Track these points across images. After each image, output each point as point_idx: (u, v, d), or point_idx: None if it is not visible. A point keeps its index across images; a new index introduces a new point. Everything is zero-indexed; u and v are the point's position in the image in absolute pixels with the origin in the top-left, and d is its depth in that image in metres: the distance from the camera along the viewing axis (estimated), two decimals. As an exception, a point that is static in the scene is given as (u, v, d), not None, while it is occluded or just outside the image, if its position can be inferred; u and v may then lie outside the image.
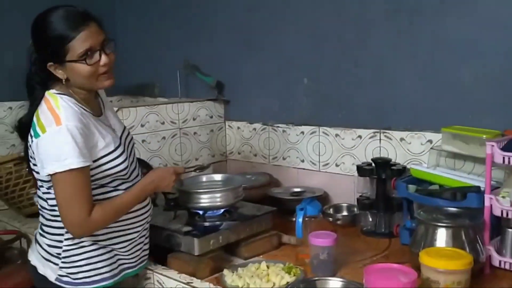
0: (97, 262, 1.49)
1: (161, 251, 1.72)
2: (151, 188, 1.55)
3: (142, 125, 2.32)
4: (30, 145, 1.43)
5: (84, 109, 1.44)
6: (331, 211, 2.13)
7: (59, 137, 1.33)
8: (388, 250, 1.78)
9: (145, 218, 1.59)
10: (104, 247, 1.50)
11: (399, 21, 2.00)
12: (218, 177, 2.01)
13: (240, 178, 1.99)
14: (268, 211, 1.90)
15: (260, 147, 2.57)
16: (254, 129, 2.58)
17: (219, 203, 1.80)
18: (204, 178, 1.99)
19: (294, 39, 2.35)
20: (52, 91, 1.43)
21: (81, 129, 1.36)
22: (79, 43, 1.34)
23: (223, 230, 1.73)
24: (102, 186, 1.47)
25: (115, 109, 2.18)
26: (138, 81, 3.11)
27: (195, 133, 2.56)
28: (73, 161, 1.33)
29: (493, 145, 1.47)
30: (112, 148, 1.46)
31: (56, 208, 1.42)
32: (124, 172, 1.49)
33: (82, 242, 1.47)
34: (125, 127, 1.63)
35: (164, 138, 2.41)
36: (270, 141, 2.51)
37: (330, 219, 2.06)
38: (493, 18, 1.78)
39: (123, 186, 1.51)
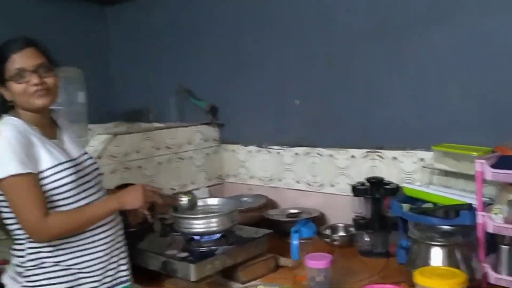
0: (58, 283, 1.47)
1: (158, 277, 1.72)
2: (115, 203, 1.52)
3: (138, 151, 2.33)
4: None
5: (30, 128, 1.47)
6: (327, 231, 2.13)
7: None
8: (385, 270, 1.77)
9: (109, 236, 1.55)
10: (66, 268, 1.48)
11: (385, 42, 2.04)
12: (213, 201, 2.02)
13: (236, 202, 2.00)
14: (265, 234, 1.90)
15: (255, 169, 2.58)
16: (249, 151, 2.59)
17: (215, 228, 1.80)
18: (200, 203, 1.99)
19: (284, 60, 2.39)
20: (4, 115, 1.50)
21: (20, 140, 1.41)
22: (11, 64, 1.45)
23: (219, 254, 1.73)
24: (51, 202, 1.46)
25: (110, 136, 2.20)
26: (133, 107, 3.13)
27: (190, 157, 2.57)
28: (12, 168, 1.37)
29: (482, 163, 1.49)
30: (57, 162, 1.47)
31: (17, 231, 1.46)
32: (70, 187, 1.47)
33: (43, 263, 1.46)
34: (86, 153, 1.63)
35: (159, 163, 2.43)
36: (266, 163, 2.53)
37: (327, 239, 2.06)
38: (481, 37, 1.81)
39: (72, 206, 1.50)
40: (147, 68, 3.05)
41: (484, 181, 1.51)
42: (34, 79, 1.45)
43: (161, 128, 2.50)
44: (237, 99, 2.62)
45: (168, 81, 2.90)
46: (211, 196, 2.43)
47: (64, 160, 1.49)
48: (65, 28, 2.91)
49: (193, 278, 1.63)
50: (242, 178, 2.64)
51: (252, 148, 2.58)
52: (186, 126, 2.58)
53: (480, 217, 1.50)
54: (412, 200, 1.80)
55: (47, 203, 1.43)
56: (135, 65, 3.11)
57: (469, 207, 1.57)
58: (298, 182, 2.40)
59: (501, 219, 1.48)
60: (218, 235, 1.82)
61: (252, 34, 2.51)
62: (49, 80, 1.49)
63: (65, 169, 1.48)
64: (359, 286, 1.61)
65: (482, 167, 1.48)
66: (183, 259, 1.68)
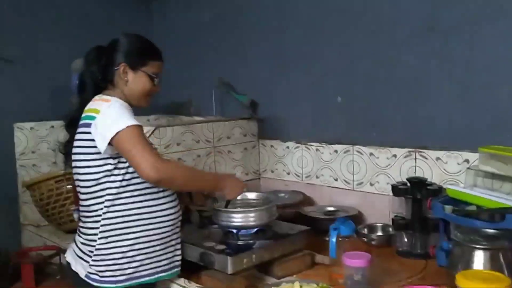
0: (124, 263, 1.59)
1: (194, 268, 1.75)
2: (222, 182, 1.73)
3: (178, 144, 2.37)
4: (82, 136, 1.60)
5: None
6: (365, 231, 2.11)
7: (112, 108, 1.56)
8: (424, 272, 1.74)
9: (173, 219, 1.68)
10: (133, 250, 1.59)
11: (434, 39, 1.99)
12: (252, 195, 2.03)
13: (274, 197, 2.00)
14: (302, 230, 1.89)
15: (293, 165, 2.57)
16: (287, 147, 2.59)
17: (252, 222, 1.81)
18: (238, 197, 2.01)
19: (328, 57, 2.37)
20: (101, 94, 1.65)
21: (128, 107, 1.61)
22: (157, 66, 1.71)
23: (256, 248, 1.73)
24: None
25: (152, 128, 2.25)
26: (174, 100, 3.18)
27: (229, 151, 2.59)
28: (128, 121, 1.53)
29: (532, 166, 1.44)
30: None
31: (93, 206, 1.59)
32: None
33: (113, 242, 1.58)
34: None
35: (199, 156, 2.45)
36: (303, 159, 2.52)
37: (365, 239, 2.04)
38: (531, 36, 1.76)
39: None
40: (189, 61, 3.09)
41: (533, 185, 1.46)
42: (159, 88, 1.74)
43: (202, 122, 2.53)
44: (278, 94, 2.62)
45: (209, 75, 2.92)
46: (248, 191, 2.44)
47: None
48: (110, 21, 2.99)
49: (230, 270, 1.64)
50: (279, 173, 2.64)
51: (291, 144, 2.57)
52: (226, 121, 2.60)
53: (527, 221, 1.46)
54: (455, 202, 1.75)
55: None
56: (177, 58, 3.14)
57: (516, 211, 1.52)
58: (336, 180, 2.38)
59: (550, 225, 1.42)
60: (255, 229, 1.83)
61: (296, 30, 2.50)
62: (158, 92, 1.76)
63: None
64: (397, 287, 1.58)
65: (531, 170, 1.44)
66: (220, 251, 1.70)
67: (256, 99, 2.70)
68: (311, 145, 2.48)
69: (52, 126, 2.73)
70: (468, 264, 1.46)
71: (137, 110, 1.79)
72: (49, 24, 2.82)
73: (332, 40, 2.34)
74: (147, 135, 2.18)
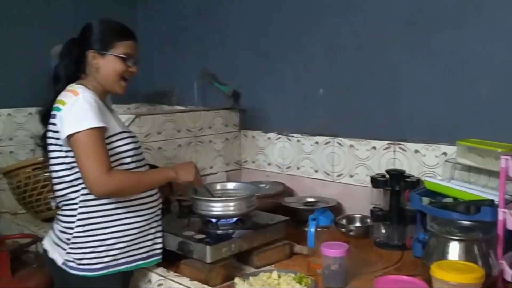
0: (101, 251, 1.58)
1: (173, 257, 1.74)
2: (172, 173, 1.68)
3: (159, 133, 2.35)
4: (51, 127, 1.58)
5: (98, 99, 1.59)
6: (344, 221, 2.13)
7: (77, 104, 1.51)
8: (401, 262, 1.77)
9: (152, 207, 1.68)
10: (111, 238, 1.59)
11: (416, 33, 2.01)
12: (232, 185, 2.03)
13: (254, 187, 2.00)
14: (281, 221, 1.90)
15: (274, 156, 2.58)
16: (269, 138, 2.59)
17: (232, 212, 1.81)
18: (218, 186, 2.01)
19: (311, 49, 2.37)
20: (73, 84, 1.60)
21: (96, 102, 1.54)
22: (125, 46, 1.63)
23: (235, 238, 1.73)
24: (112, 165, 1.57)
25: (132, 116, 2.23)
26: (156, 89, 3.16)
27: (210, 141, 2.58)
28: (90, 122, 1.49)
29: (507, 159, 1.46)
30: (122, 130, 1.63)
31: (70, 194, 1.58)
32: (130, 153, 1.62)
33: (91, 230, 1.57)
34: (131, 131, 1.75)
35: (180, 145, 2.44)
36: (285, 150, 2.53)
37: (343, 230, 2.06)
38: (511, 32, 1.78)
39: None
40: (172, 51, 3.06)
41: (508, 178, 1.48)
42: (134, 69, 1.66)
43: (183, 111, 2.51)
44: (260, 85, 2.61)
45: (192, 65, 2.90)
46: (229, 181, 2.44)
47: (126, 130, 1.65)
48: (93, 9, 2.93)
49: (208, 259, 1.64)
50: (261, 164, 2.65)
51: (272, 135, 2.58)
52: (208, 110, 2.59)
53: (501, 213, 1.48)
54: (433, 194, 1.78)
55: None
56: (160, 47, 3.12)
57: (491, 203, 1.54)
58: (316, 171, 2.40)
59: (523, 217, 1.45)
60: (235, 219, 1.83)
61: (279, 21, 2.49)
62: (136, 71, 1.68)
63: (127, 137, 1.63)
64: (374, 277, 1.60)
65: (507, 163, 1.46)
66: (199, 240, 1.69)
67: (239, 90, 2.69)
68: (292, 136, 2.48)
69: (30, 113, 2.69)
70: (443, 255, 1.48)
71: (117, 98, 1.78)
72: (28, 9, 2.76)
73: (316, 32, 2.34)
74: (127, 123, 2.16)
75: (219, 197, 1.92)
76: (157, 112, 2.54)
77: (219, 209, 1.81)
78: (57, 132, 1.55)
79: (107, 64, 1.62)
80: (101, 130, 1.51)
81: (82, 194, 1.57)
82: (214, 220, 1.82)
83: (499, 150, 1.63)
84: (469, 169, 1.79)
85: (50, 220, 2.14)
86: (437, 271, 1.32)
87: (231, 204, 1.82)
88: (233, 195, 1.94)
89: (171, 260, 1.74)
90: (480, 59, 1.86)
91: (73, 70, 1.65)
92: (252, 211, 1.90)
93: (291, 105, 2.49)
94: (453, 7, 1.91)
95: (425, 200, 1.73)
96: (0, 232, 2.53)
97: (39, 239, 2.18)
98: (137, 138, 1.73)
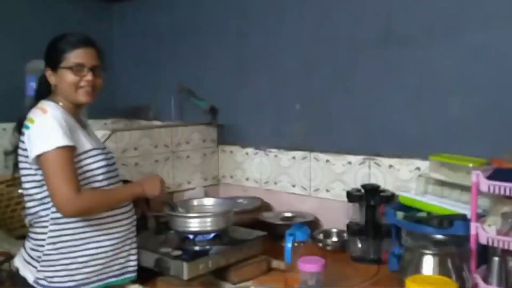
0: (73, 269, 1.57)
1: (150, 274, 1.73)
2: (138, 188, 1.67)
3: (135, 148, 2.34)
4: (21, 144, 1.58)
5: (68, 115, 1.60)
6: (321, 236, 2.14)
7: (46, 123, 1.51)
8: (377, 277, 1.78)
9: (126, 225, 1.66)
10: (83, 255, 1.57)
11: (388, 50, 2.05)
12: (209, 201, 2.03)
13: (231, 203, 2.01)
14: (259, 236, 1.90)
15: (252, 171, 2.59)
16: (247, 153, 2.60)
17: (209, 228, 1.81)
18: (195, 202, 2.01)
19: (287, 65, 2.40)
20: (44, 100, 1.61)
21: (65, 120, 1.54)
22: (73, 56, 1.59)
23: (212, 254, 1.73)
24: (82, 184, 1.56)
25: (108, 132, 2.21)
26: (133, 104, 3.14)
27: (188, 156, 2.58)
28: (59, 140, 1.48)
29: (478, 174, 1.50)
30: (92, 147, 1.61)
31: (41, 212, 1.56)
32: (101, 171, 1.60)
33: (62, 248, 1.56)
34: (105, 147, 1.74)
35: (157, 161, 2.43)
36: (262, 165, 2.54)
37: (320, 244, 2.07)
38: (480, 50, 1.83)
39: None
40: (149, 66, 3.06)
41: (479, 193, 1.52)
42: (89, 76, 1.60)
43: (160, 127, 2.51)
44: (237, 100, 2.63)
45: (169, 80, 2.90)
46: (206, 196, 2.44)
47: (97, 147, 1.63)
48: (69, 24, 2.91)
49: (185, 276, 1.63)
50: (238, 179, 2.65)
51: (250, 150, 2.59)
52: (185, 126, 2.59)
53: (474, 227, 1.51)
54: (407, 208, 1.80)
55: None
56: (137, 62, 3.12)
57: (463, 218, 1.58)
58: (293, 186, 2.41)
59: (494, 231, 1.48)
60: (212, 235, 1.83)
61: (255, 37, 2.52)
62: (98, 82, 1.64)
63: (98, 154, 1.61)
64: (350, 292, 1.62)
65: (478, 178, 1.49)
66: (176, 257, 1.69)
67: (216, 105, 2.70)
68: (270, 151, 2.50)
69: (4, 129, 2.65)
70: (417, 269, 1.50)
71: (93, 112, 1.77)
72: (2, 24, 2.73)
73: (291, 48, 2.38)
74: (103, 139, 2.15)
75: (196, 212, 1.91)
76: (133, 127, 2.53)
77: (196, 225, 1.80)
78: (25, 150, 1.54)
79: (61, 79, 1.60)
80: (69, 149, 1.51)
81: (53, 212, 1.55)
82: (191, 236, 1.82)
83: (471, 165, 1.66)
84: (442, 183, 1.83)
85: (23, 237, 2.10)
86: (411, 285, 1.33)
87: (208, 220, 1.81)
88: (210, 211, 1.93)
89: (149, 277, 1.72)
90: (449, 75, 1.91)
91: (44, 90, 1.66)
92: (230, 227, 1.90)
93: (268, 120, 2.51)
94: (423, 25, 1.96)
95: (400, 214, 1.75)
96: (-28, 251, 2.47)
97: (12, 257, 2.14)
98: (111, 154, 1.72)
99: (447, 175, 1.78)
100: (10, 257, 2.13)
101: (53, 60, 1.60)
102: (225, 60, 2.66)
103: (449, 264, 1.48)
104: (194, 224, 1.80)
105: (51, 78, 1.62)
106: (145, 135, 2.38)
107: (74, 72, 1.59)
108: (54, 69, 1.60)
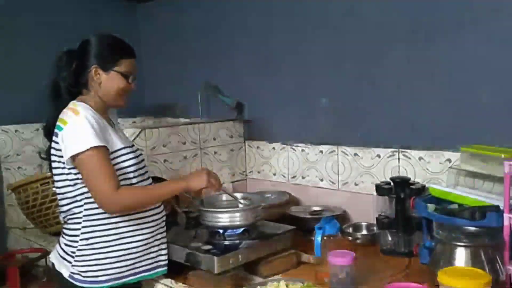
0: (106, 263, 1.60)
1: (181, 268, 1.75)
2: (182, 183, 1.69)
3: (164, 145, 2.37)
4: (54, 145, 1.61)
5: (98, 116, 1.63)
6: (350, 230, 2.13)
7: (78, 124, 1.54)
8: (408, 270, 1.77)
9: (157, 220, 1.70)
10: (115, 250, 1.61)
11: (416, 41, 2.03)
12: (238, 196, 2.04)
13: (260, 197, 2.02)
14: (288, 230, 1.91)
15: (279, 166, 2.59)
16: (274, 148, 2.61)
17: (238, 222, 1.82)
18: (224, 197, 2.02)
19: (313, 59, 2.39)
20: (74, 101, 1.63)
21: (96, 121, 1.57)
22: (129, 64, 1.67)
23: (242, 248, 1.75)
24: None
25: (137, 130, 2.25)
26: (160, 102, 3.18)
27: (215, 152, 2.60)
28: (92, 141, 1.51)
29: (511, 164, 1.47)
30: (123, 146, 1.64)
31: (74, 209, 1.61)
32: (133, 168, 1.64)
33: (95, 243, 1.60)
34: (134, 145, 1.77)
35: (185, 157, 2.46)
36: (290, 160, 2.54)
37: (349, 238, 2.06)
38: (511, 38, 1.79)
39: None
40: (176, 64, 3.09)
41: (512, 183, 1.49)
42: (134, 85, 1.70)
43: (188, 124, 2.53)
44: (264, 96, 2.64)
45: (196, 77, 2.93)
46: (234, 191, 2.46)
47: (127, 145, 1.66)
48: (97, 23, 2.97)
49: (216, 270, 1.65)
50: (266, 174, 2.66)
51: (277, 145, 2.59)
52: (212, 122, 2.61)
53: (507, 219, 1.49)
54: (438, 200, 1.78)
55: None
56: (164, 61, 3.15)
57: (496, 209, 1.55)
58: (321, 180, 2.41)
59: (528, 222, 1.46)
60: (241, 229, 1.84)
61: (281, 32, 2.52)
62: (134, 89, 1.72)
63: (129, 153, 1.65)
64: (381, 284, 1.61)
65: (511, 169, 1.47)
66: (207, 251, 1.71)
67: (242, 101, 2.71)
68: (297, 146, 2.50)
69: (37, 129, 2.71)
70: (450, 261, 1.48)
71: (123, 112, 1.81)
72: (32, 26, 2.79)
73: (317, 42, 2.37)
74: (133, 137, 2.18)
75: (225, 207, 1.93)
76: (162, 125, 2.56)
77: (226, 220, 1.82)
78: (59, 150, 1.58)
79: (110, 80, 1.64)
80: (103, 148, 1.54)
81: (86, 209, 1.60)
82: (221, 231, 1.83)
83: (503, 155, 1.63)
84: (474, 175, 1.80)
85: (58, 234, 2.16)
86: (444, 278, 1.32)
87: (237, 214, 1.83)
88: (239, 205, 1.95)
89: (180, 271, 1.75)
90: (479, 65, 1.87)
91: (72, 83, 1.67)
92: (259, 221, 1.91)
93: (294, 115, 2.51)
94: (451, 16, 1.93)
95: (431, 207, 1.73)
96: (10, 247, 2.55)
97: (48, 253, 2.20)
98: (140, 152, 1.75)
99: (478, 166, 1.75)
100: (46, 253, 2.19)
101: (109, 60, 1.64)
102: (251, 56, 2.67)
103: (482, 256, 1.46)
104: (223, 219, 1.82)
105: (98, 76, 1.64)
106: (173, 132, 2.41)
107: (126, 79, 1.65)
108: (106, 69, 1.63)
